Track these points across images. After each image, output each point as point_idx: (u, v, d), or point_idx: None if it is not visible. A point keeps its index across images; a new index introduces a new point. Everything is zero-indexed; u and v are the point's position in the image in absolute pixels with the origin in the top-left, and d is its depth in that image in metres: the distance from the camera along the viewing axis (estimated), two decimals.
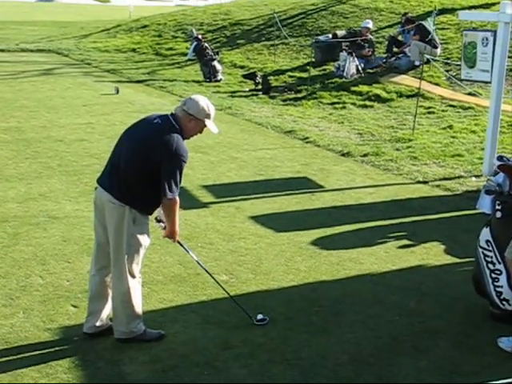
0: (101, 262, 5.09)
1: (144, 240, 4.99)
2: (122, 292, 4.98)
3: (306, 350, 5.07)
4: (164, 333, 5.22)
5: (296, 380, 4.70)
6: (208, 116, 4.97)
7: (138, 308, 5.07)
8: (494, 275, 5.54)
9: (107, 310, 5.18)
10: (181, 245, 5.40)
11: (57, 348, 5.04)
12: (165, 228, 5.14)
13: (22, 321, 5.40)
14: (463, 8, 19.42)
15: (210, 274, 5.66)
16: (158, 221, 5.22)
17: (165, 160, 4.75)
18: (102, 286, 5.12)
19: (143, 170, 4.80)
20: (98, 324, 5.15)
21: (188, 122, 4.92)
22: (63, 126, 12.78)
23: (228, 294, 5.61)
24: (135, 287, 5.03)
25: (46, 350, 5.00)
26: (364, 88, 16.06)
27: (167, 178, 4.76)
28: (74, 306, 5.67)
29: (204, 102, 4.98)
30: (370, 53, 17.85)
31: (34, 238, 7.19)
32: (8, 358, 4.88)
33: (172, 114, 4.97)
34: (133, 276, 4.99)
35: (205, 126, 4.99)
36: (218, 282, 5.67)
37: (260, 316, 5.48)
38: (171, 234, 5.11)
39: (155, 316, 5.51)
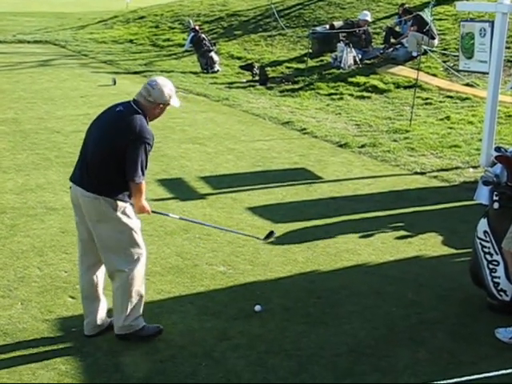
0: (88, 261, 5.02)
1: (132, 222, 4.87)
2: (121, 284, 4.89)
3: (304, 341, 5.09)
4: (162, 327, 5.16)
5: (294, 370, 4.72)
6: (170, 96, 4.91)
7: (138, 302, 4.97)
8: (491, 266, 5.56)
9: (104, 307, 5.13)
10: (157, 213, 5.38)
11: (55, 339, 5.05)
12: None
13: (20, 312, 5.41)
14: None
15: (201, 223, 5.71)
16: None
17: (130, 143, 4.68)
18: (93, 285, 5.04)
19: (110, 157, 4.72)
20: (98, 323, 5.08)
21: (152, 108, 4.89)
22: (61, 117, 12.75)
23: (215, 226, 5.68)
24: (136, 276, 4.88)
25: (44, 341, 5.01)
26: (361, 79, 16.02)
27: (133, 161, 4.69)
28: (72, 297, 5.67)
29: (161, 84, 4.89)
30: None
31: (32, 229, 7.19)
32: (6, 349, 4.89)
33: (134, 101, 4.94)
34: (136, 260, 4.87)
35: (168, 105, 4.95)
36: (204, 224, 5.85)
37: (258, 307, 5.50)
38: (141, 209, 4.94)
39: (153, 307, 5.51)
